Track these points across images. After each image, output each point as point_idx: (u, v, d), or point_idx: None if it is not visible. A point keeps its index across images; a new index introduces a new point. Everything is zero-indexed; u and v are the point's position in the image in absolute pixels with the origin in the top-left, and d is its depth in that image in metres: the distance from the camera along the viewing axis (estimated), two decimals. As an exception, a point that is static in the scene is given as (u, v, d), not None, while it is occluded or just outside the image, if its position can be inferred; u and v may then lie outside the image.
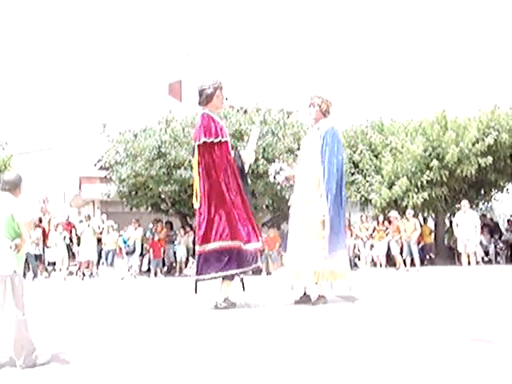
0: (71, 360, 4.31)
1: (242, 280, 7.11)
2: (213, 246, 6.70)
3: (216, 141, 6.69)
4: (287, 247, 7.23)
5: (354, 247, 15.32)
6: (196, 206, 6.86)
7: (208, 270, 6.74)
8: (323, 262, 6.73)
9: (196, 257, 7.04)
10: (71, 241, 15.14)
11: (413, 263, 13.92)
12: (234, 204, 6.76)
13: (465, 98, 17.17)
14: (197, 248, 6.90)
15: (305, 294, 7.14)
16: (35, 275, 13.93)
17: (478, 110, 15.61)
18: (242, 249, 6.69)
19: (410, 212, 14.48)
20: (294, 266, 6.94)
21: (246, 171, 7.34)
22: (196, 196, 6.84)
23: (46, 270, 14.92)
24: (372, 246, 15.08)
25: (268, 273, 13.98)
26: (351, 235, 15.55)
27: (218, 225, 6.69)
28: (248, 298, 7.09)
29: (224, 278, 6.84)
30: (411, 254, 14.08)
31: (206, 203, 6.72)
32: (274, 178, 7.93)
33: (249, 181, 6.99)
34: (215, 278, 6.83)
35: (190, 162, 13.29)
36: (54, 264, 14.94)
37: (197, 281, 6.87)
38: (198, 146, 6.77)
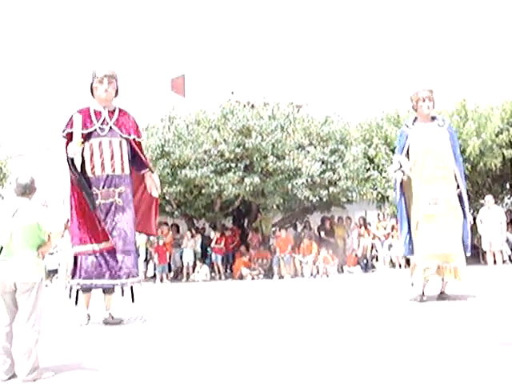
0: (73, 374, 4.30)
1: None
2: None
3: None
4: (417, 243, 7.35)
5: (372, 247, 15.24)
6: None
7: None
8: (454, 258, 6.91)
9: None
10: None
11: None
12: None
13: (486, 87, 17.00)
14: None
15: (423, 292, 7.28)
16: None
17: (501, 99, 15.47)
18: None
19: None
20: (431, 261, 7.06)
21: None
22: None
23: (48, 277, 14.90)
24: (390, 246, 14.99)
25: (280, 276, 13.93)
26: (368, 234, 15.49)
27: None
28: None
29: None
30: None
31: None
32: (396, 172, 7.94)
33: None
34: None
35: (195, 161, 13.29)
36: (56, 272, 14.96)
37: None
38: None
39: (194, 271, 14.50)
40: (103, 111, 7.08)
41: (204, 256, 15.22)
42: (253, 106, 14.74)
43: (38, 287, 4.34)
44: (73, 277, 6.85)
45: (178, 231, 15.68)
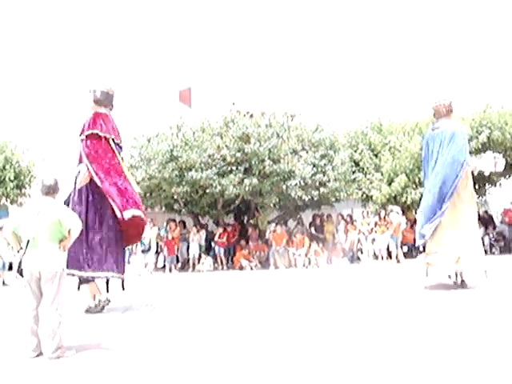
0: (93, 352, 4.32)
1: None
2: None
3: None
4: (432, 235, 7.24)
5: (358, 241, 15.27)
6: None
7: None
8: (468, 249, 6.80)
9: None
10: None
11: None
12: None
13: (458, 99, 17.04)
14: None
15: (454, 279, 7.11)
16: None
17: (471, 110, 15.54)
18: None
19: (390, 208, 14.77)
20: (446, 254, 6.95)
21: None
22: None
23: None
24: (373, 240, 15.02)
25: (276, 267, 13.95)
26: (354, 230, 15.51)
27: None
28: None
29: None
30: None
31: None
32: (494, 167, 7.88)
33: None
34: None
35: (200, 164, 13.30)
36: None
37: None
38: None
39: (199, 262, 14.52)
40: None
41: (208, 249, 15.25)
42: (252, 115, 14.74)
43: (60, 276, 4.37)
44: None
45: (184, 227, 15.69)
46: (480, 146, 14.51)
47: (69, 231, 4.51)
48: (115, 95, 7.25)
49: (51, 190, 4.57)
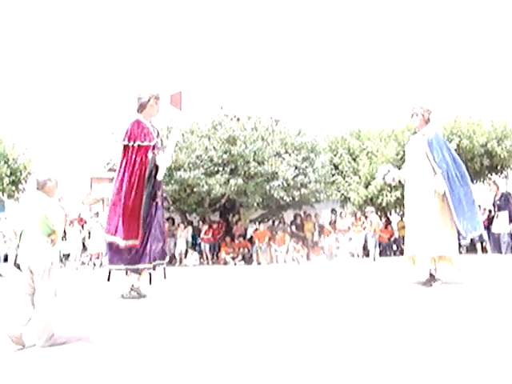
0: (83, 341, 4.29)
1: (150, 274, 7.01)
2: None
3: (134, 144, 6.63)
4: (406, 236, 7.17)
5: (336, 240, 15.36)
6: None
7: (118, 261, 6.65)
8: (437, 248, 6.71)
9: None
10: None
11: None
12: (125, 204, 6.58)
13: (431, 108, 17.27)
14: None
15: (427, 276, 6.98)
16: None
17: (442, 119, 15.75)
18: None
19: (368, 209, 14.87)
20: (412, 251, 6.90)
21: (163, 174, 6.96)
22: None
23: (61, 260, 14.84)
24: (350, 239, 15.11)
25: (258, 263, 13.97)
26: (332, 229, 15.60)
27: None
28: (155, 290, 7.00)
29: (130, 270, 6.72)
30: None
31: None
32: (383, 178, 7.74)
33: (157, 184, 6.72)
34: (122, 269, 6.74)
35: (188, 164, 13.26)
36: (69, 256, 14.91)
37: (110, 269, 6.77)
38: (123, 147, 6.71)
39: (185, 257, 14.47)
40: (151, 126, 6.96)
41: (194, 245, 15.21)
42: (238, 119, 14.75)
43: (50, 270, 4.27)
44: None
45: (173, 223, 15.63)
46: (451, 153, 14.70)
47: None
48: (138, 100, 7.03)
49: (38, 185, 4.50)
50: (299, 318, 4.94)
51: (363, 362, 3.32)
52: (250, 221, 16.44)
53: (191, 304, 6.14)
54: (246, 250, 14.80)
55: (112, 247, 6.66)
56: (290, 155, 14.12)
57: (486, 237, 15.19)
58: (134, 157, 6.63)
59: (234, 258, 14.12)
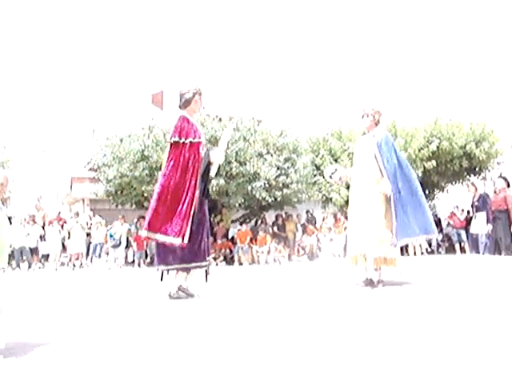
0: (47, 344, 4.11)
1: (206, 272, 6.80)
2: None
3: (186, 141, 6.47)
4: (348, 236, 7.04)
5: (318, 240, 15.35)
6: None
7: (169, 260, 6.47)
8: (381, 249, 6.58)
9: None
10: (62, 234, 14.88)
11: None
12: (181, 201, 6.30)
13: (411, 111, 17.43)
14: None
15: (367, 278, 6.83)
16: (30, 266, 13.71)
17: (423, 121, 15.86)
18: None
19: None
20: (356, 252, 6.76)
21: (216, 171, 6.88)
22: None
23: (41, 261, 14.58)
24: (331, 239, 15.11)
25: (240, 263, 13.87)
26: (313, 229, 15.58)
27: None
28: (202, 289, 6.86)
29: (180, 269, 6.57)
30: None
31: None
32: (330, 177, 7.58)
33: (212, 180, 6.52)
34: (176, 269, 6.57)
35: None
36: (48, 256, 14.65)
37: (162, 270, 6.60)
38: (170, 143, 6.55)
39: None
40: (196, 122, 6.79)
41: (176, 245, 15.03)
42: (220, 119, 14.63)
43: None
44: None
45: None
46: (431, 155, 14.83)
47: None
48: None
49: None
50: (278, 317, 4.86)
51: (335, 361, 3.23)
52: (232, 221, 16.33)
53: (170, 305, 6.00)
54: (228, 250, 14.68)
55: (163, 247, 6.44)
56: (271, 156, 14.05)
57: (464, 237, 15.35)
58: (186, 154, 6.43)
59: (215, 259, 13.97)
